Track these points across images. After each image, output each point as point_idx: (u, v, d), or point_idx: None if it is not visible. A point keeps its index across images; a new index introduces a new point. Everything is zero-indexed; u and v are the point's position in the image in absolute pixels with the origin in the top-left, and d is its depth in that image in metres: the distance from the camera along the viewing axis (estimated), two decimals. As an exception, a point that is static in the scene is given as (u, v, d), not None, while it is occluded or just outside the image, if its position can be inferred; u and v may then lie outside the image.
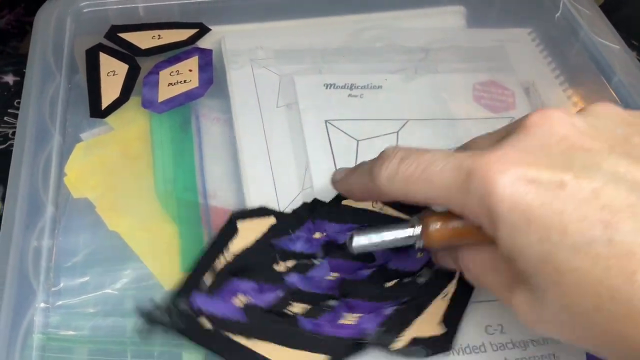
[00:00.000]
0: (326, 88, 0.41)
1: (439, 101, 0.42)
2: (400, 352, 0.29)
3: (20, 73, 0.49)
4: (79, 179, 0.35)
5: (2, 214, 0.33)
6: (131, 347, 0.30)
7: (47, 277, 0.31)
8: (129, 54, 0.42)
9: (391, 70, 0.43)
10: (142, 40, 0.43)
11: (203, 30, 0.44)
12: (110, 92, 0.39)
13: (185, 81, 0.40)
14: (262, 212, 0.33)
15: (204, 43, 0.44)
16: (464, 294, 0.31)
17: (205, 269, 0.31)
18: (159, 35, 0.43)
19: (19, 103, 0.47)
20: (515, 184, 0.23)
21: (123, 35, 0.43)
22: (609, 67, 0.43)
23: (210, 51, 0.42)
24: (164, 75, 0.40)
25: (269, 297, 0.30)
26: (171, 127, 0.38)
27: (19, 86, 0.48)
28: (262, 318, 0.29)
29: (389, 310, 0.30)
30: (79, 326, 0.30)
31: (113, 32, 0.43)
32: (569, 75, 0.45)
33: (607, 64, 0.44)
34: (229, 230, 0.32)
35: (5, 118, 0.47)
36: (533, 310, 0.24)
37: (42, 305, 0.31)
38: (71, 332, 0.30)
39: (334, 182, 0.31)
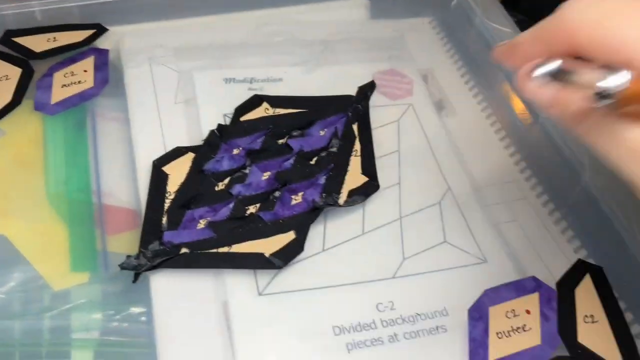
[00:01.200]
0: (226, 82, 0.42)
1: (339, 91, 0.43)
2: (345, 204, 0.35)
3: None
4: (-32, 184, 0.35)
5: None
6: (19, 348, 0.29)
7: None
8: (22, 57, 0.41)
9: (292, 63, 0.44)
10: (37, 43, 0.42)
11: (100, 30, 0.44)
12: (1, 96, 0.39)
13: (79, 82, 0.40)
14: (179, 152, 0.37)
15: (102, 44, 0.44)
16: (368, 147, 0.38)
17: (158, 213, 0.34)
18: (54, 38, 0.42)
19: None
20: None
21: (17, 39, 0.42)
22: (500, 50, 0.45)
23: (106, 51, 0.42)
24: (58, 77, 0.40)
25: (225, 212, 0.34)
26: (65, 129, 0.38)
27: None
28: (227, 227, 0.33)
29: (322, 180, 0.36)
30: (-34, 331, 0.30)
31: (7, 37, 0.43)
32: (466, 61, 0.47)
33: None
34: (159, 177, 0.35)
35: None
36: None
37: None
38: (-44, 338, 0.29)
39: (500, 53, 0.25)
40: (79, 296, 0.31)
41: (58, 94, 0.39)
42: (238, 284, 0.32)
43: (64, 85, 0.39)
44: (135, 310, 0.31)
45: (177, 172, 0.36)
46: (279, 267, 0.32)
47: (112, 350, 0.30)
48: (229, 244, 0.33)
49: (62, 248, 0.33)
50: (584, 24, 0.21)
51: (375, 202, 0.37)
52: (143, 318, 0.31)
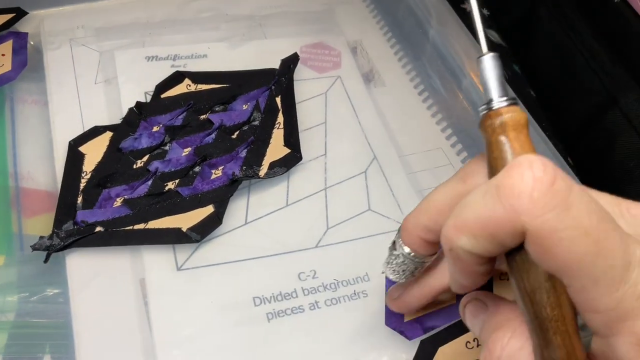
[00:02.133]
0: (148, 60, 0.41)
1: (265, 66, 0.42)
2: (266, 175, 0.35)
3: None
4: None
5: None
6: None
7: None
8: (-64, 43, 0.40)
9: (217, 39, 0.44)
10: (-48, 28, 0.41)
11: (20, 14, 0.43)
12: None
13: (-4, 65, 0.39)
14: (96, 131, 0.36)
15: (23, 27, 0.43)
16: (291, 119, 0.38)
17: (73, 194, 0.33)
18: (-30, 22, 0.41)
19: None
20: None
21: None
22: (426, 20, 0.45)
23: (25, 34, 0.41)
24: (-27, 61, 0.39)
25: (142, 189, 0.34)
26: (-19, 113, 0.37)
27: None
28: (144, 204, 0.33)
29: (243, 153, 0.36)
30: None
31: None
32: (396, 32, 0.47)
33: (426, 17, 0.45)
34: (75, 157, 0.35)
35: None
36: None
37: None
38: None
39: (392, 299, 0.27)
40: (-7, 280, 0.31)
41: (-27, 78, 0.38)
42: (156, 261, 0.32)
43: (-20, 69, 0.38)
44: (52, 291, 0.31)
45: (94, 152, 0.35)
46: (197, 241, 0.32)
47: (27, 332, 0.30)
48: (145, 221, 0.32)
49: (-24, 233, 0.32)
50: (543, 232, 0.18)
51: (300, 174, 0.37)
52: (60, 299, 0.31)
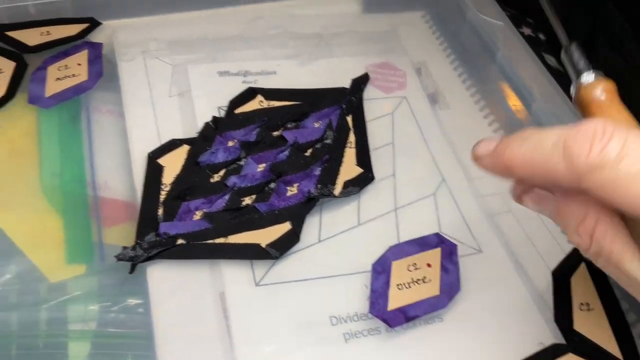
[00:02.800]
0: (220, 75, 0.42)
1: (332, 84, 0.43)
2: (340, 194, 0.36)
3: None
4: (-38, 178, 0.35)
5: None
6: (16, 340, 0.29)
7: None
8: (16, 51, 0.41)
9: (286, 57, 0.44)
10: (31, 37, 0.42)
11: (94, 24, 0.44)
12: (-5, 90, 0.38)
13: (73, 75, 0.39)
14: (174, 144, 0.37)
15: (96, 37, 0.44)
16: (362, 138, 0.39)
17: (154, 205, 0.34)
18: (47, 32, 0.42)
19: None
20: None
21: (10, 33, 0.42)
22: (493, 43, 0.45)
23: (99, 44, 0.42)
24: (52, 70, 0.40)
25: (220, 203, 0.34)
26: (60, 122, 0.38)
27: None
28: (224, 218, 0.33)
29: (317, 171, 0.36)
30: (-39, 324, 0.29)
31: (0, 31, 0.42)
32: (459, 54, 0.47)
33: (492, 40, 0.45)
34: (154, 169, 0.35)
35: None
36: None
37: None
38: (-48, 331, 0.29)
39: (480, 157, 0.23)
40: (76, 288, 0.31)
41: (52, 87, 0.39)
42: (235, 275, 0.32)
43: (58, 78, 0.39)
44: (132, 301, 0.31)
45: (172, 164, 0.36)
46: (275, 258, 0.32)
47: (109, 342, 0.30)
48: (225, 235, 0.33)
49: (58, 240, 0.33)
50: (604, 185, 0.19)
51: (370, 194, 0.37)
52: (140, 309, 0.31)
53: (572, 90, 0.23)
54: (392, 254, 0.33)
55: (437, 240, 0.34)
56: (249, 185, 0.35)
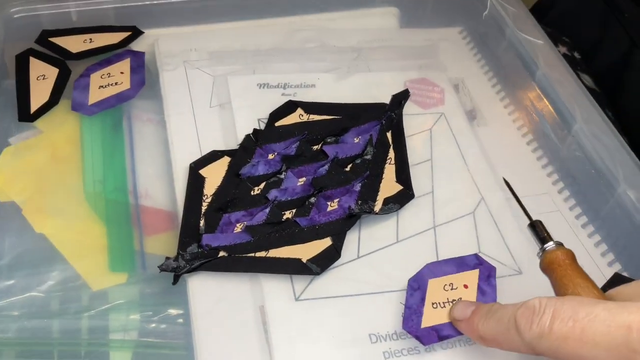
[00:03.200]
0: (259, 87, 0.42)
1: (370, 99, 0.43)
2: (381, 211, 0.35)
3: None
4: (6, 182, 0.35)
5: None
6: (58, 347, 0.30)
7: (-29, 282, 0.31)
8: (59, 58, 0.42)
9: (324, 70, 0.44)
10: (74, 44, 0.42)
11: (136, 33, 0.44)
12: (39, 96, 0.39)
13: (116, 83, 0.40)
14: (215, 155, 0.37)
15: (137, 46, 0.44)
16: (402, 155, 0.39)
17: (196, 216, 0.34)
18: (90, 39, 0.43)
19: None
20: None
21: (54, 39, 0.43)
22: (533, 62, 0.45)
23: (142, 53, 0.43)
24: (95, 77, 0.40)
25: (261, 216, 0.34)
26: (102, 129, 0.38)
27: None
28: (265, 232, 0.33)
29: (357, 187, 0.36)
30: (5, 329, 0.30)
31: (44, 37, 0.43)
32: (497, 71, 0.47)
33: (532, 59, 0.45)
34: (197, 179, 0.35)
35: None
36: None
37: (-34, 309, 0.30)
38: (-4, 335, 0.30)
39: (456, 319, 0.29)
40: (117, 296, 0.31)
41: (95, 95, 0.39)
42: (275, 289, 0.32)
43: (101, 86, 0.40)
44: (173, 312, 0.31)
45: (214, 176, 0.36)
46: (317, 274, 0.32)
47: (150, 352, 0.30)
48: (266, 249, 0.33)
49: (100, 248, 0.33)
50: (545, 350, 0.24)
51: (408, 210, 0.37)
52: (180, 320, 0.31)
53: (539, 256, 0.30)
54: (429, 271, 0.33)
55: (475, 262, 0.34)
56: (290, 199, 0.35)
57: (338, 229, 0.34)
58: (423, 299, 0.32)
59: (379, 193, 0.36)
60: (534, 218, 0.32)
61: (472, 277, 0.33)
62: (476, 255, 0.34)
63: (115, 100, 0.39)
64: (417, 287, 0.33)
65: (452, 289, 0.33)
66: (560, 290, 0.28)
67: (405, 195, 0.36)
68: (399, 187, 0.37)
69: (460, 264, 0.34)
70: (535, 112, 0.44)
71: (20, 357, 0.29)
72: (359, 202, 0.35)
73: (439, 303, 0.32)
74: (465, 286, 0.33)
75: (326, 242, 0.33)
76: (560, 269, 0.29)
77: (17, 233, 0.33)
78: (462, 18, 0.51)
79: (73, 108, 0.39)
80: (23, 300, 0.31)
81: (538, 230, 0.31)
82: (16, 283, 0.31)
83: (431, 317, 0.31)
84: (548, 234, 0.31)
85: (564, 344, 0.23)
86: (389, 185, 0.37)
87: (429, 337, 0.30)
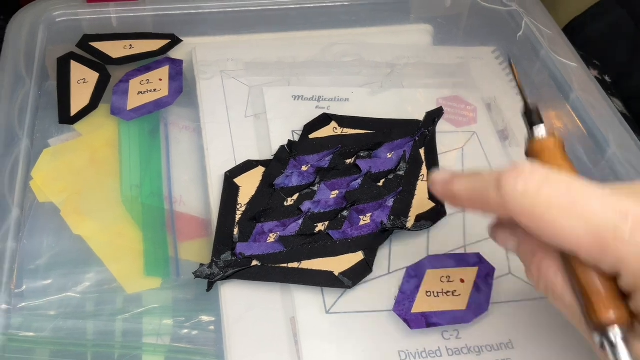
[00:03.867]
0: (294, 99, 0.42)
1: (403, 115, 0.43)
2: (413, 228, 0.36)
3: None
4: (46, 183, 0.36)
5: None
6: (92, 349, 0.30)
7: (10, 279, 0.32)
8: (100, 62, 0.42)
9: (358, 84, 0.45)
10: (114, 49, 0.43)
11: (174, 41, 0.45)
12: (79, 99, 0.40)
13: (155, 90, 0.41)
14: (249, 165, 0.37)
15: (175, 54, 0.45)
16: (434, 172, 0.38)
17: (230, 224, 0.34)
18: (130, 45, 0.43)
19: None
20: None
21: (95, 44, 0.44)
22: (567, 84, 0.45)
23: (180, 61, 0.43)
24: (134, 83, 0.41)
25: (294, 227, 0.34)
26: (139, 134, 0.39)
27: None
28: (298, 243, 0.34)
29: (390, 202, 0.36)
30: (40, 328, 0.30)
31: (85, 41, 0.44)
32: (530, 91, 0.47)
33: (566, 81, 0.45)
34: (231, 188, 0.36)
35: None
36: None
37: (4, 306, 0.31)
38: (32, 334, 0.30)
39: (435, 183, 0.27)
40: (151, 301, 0.32)
41: (134, 100, 0.40)
42: (305, 301, 0.32)
43: (140, 92, 0.40)
44: (205, 318, 0.32)
45: (248, 185, 0.36)
46: (348, 287, 0.32)
47: (181, 358, 0.30)
48: (299, 260, 0.33)
49: (136, 252, 0.33)
50: (523, 210, 0.23)
51: (440, 228, 0.37)
52: (211, 327, 0.32)
53: (525, 142, 0.27)
54: (429, 263, 0.34)
55: (476, 260, 0.35)
56: (322, 211, 0.35)
57: (370, 244, 0.34)
58: (418, 287, 0.33)
59: (411, 209, 0.36)
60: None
61: (470, 273, 0.34)
62: (478, 254, 0.35)
63: (154, 107, 0.40)
64: (414, 274, 0.34)
65: (448, 281, 0.34)
66: None
67: (437, 213, 0.37)
68: (431, 204, 0.37)
69: (460, 260, 0.35)
70: (568, 135, 0.44)
71: (54, 357, 0.30)
72: (392, 217, 0.35)
73: (433, 292, 0.33)
74: (462, 280, 0.34)
75: (358, 256, 0.34)
76: (548, 154, 0.26)
77: (55, 233, 0.34)
78: (496, 38, 0.51)
79: (112, 112, 0.39)
80: (59, 301, 0.31)
81: (534, 115, 0.28)
82: (53, 283, 0.32)
83: (423, 304, 0.32)
84: (542, 120, 0.28)
85: (546, 209, 0.22)
86: (421, 202, 0.37)
87: (417, 323, 0.32)
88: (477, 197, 0.25)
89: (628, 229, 0.21)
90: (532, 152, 0.27)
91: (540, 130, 0.27)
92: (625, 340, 0.22)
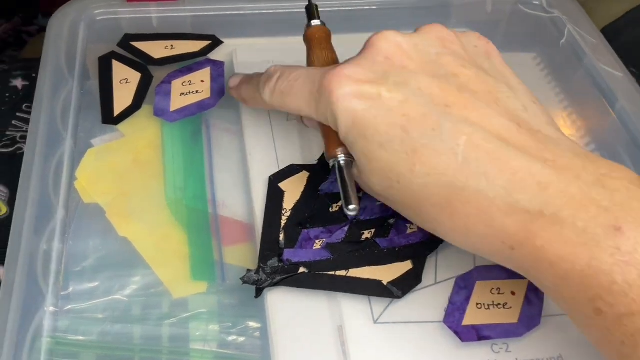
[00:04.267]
0: (336, 104, 0.42)
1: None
2: None
3: (29, 78, 0.49)
4: (90, 184, 0.35)
5: (7, 217, 0.33)
6: (139, 353, 0.30)
7: (57, 281, 0.31)
8: (141, 62, 0.42)
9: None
10: (155, 49, 0.43)
11: (215, 42, 0.44)
12: (122, 99, 0.39)
13: (197, 91, 0.40)
14: (294, 170, 0.37)
15: (215, 55, 0.44)
16: None
17: (275, 230, 0.34)
18: (171, 46, 0.43)
19: (27, 107, 0.47)
20: (347, 95, 0.29)
21: (136, 44, 0.43)
22: (611, 93, 0.44)
23: (222, 63, 0.43)
24: (176, 84, 0.41)
25: (340, 234, 0.34)
26: (182, 136, 0.38)
27: (27, 90, 0.48)
28: (345, 250, 0.33)
29: None
30: (87, 331, 0.30)
31: (126, 41, 0.44)
32: (571, 99, 0.46)
33: (610, 90, 0.44)
34: (276, 193, 0.36)
35: (13, 122, 0.47)
36: (360, 179, 0.31)
37: (51, 309, 0.31)
38: (79, 337, 0.30)
39: (230, 87, 0.38)
40: (197, 306, 0.32)
41: (177, 102, 0.40)
42: (353, 310, 0.32)
43: (182, 93, 0.40)
44: (251, 324, 0.31)
45: (293, 190, 0.36)
46: (398, 297, 0.32)
47: (228, 364, 0.30)
48: (346, 268, 0.33)
49: (181, 255, 0.33)
50: (273, 104, 0.34)
51: (485, 238, 0.36)
52: (256, 333, 0.31)
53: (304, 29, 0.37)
54: (478, 274, 0.33)
55: None
56: (368, 218, 0.35)
57: (419, 253, 0.34)
58: (468, 298, 0.32)
59: None
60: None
61: (521, 285, 0.33)
62: None
63: (196, 109, 0.39)
64: (463, 285, 0.33)
65: (499, 293, 0.33)
66: (307, 60, 0.36)
67: None
68: None
69: (511, 271, 0.33)
70: (614, 146, 0.43)
71: (100, 361, 0.29)
72: None
73: (484, 304, 0.32)
74: (513, 293, 0.33)
75: (407, 265, 0.33)
76: (313, 42, 0.36)
77: (101, 235, 0.33)
78: (537, 44, 0.50)
79: (155, 114, 0.39)
80: (106, 304, 0.31)
81: (314, 11, 0.37)
82: (100, 285, 0.32)
83: (473, 316, 0.32)
84: (318, 14, 0.37)
85: (284, 98, 0.32)
86: None
87: (468, 335, 0.31)
88: (255, 99, 0.35)
89: (317, 88, 0.30)
90: (306, 37, 0.37)
91: (316, 22, 0.36)
92: (347, 164, 0.32)
